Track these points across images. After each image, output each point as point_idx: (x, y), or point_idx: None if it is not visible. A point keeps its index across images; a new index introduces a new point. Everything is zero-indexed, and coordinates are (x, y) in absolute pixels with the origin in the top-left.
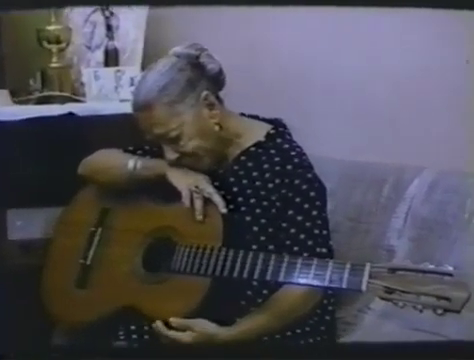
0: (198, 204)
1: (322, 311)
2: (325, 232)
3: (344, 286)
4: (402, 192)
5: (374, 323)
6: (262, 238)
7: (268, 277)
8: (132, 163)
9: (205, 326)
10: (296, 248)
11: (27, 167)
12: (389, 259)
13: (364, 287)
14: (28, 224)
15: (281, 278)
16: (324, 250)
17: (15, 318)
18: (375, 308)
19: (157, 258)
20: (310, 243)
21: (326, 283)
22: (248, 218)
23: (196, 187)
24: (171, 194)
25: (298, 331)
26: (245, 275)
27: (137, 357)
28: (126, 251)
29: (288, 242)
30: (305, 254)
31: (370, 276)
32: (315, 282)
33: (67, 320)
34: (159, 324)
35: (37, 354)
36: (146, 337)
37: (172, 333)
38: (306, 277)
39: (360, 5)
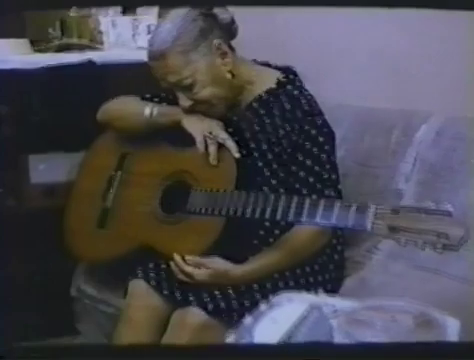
0: (212, 149)
1: (331, 250)
2: (334, 176)
3: (350, 225)
4: (411, 137)
5: (381, 262)
6: (273, 182)
7: (278, 217)
8: (148, 110)
9: (218, 263)
10: (305, 191)
11: (48, 114)
12: (397, 203)
13: (369, 226)
14: (50, 168)
15: (291, 218)
16: (333, 193)
17: (38, 259)
18: (383, 248)
19: (174, 200)
20: (319, 186)
21: (333, 222)
22: (260, 163)
23: (210, 133)
24: (187, 140)
25: (307, 269)
26: (257, 215)
27: (139, 357)
28: (144, 193)
29: (298, 185)
30: (314, 196)
31: (374, 216)
32: (323, 221)
33: (88, 258)
34: (178, 259)
35: (37, 354)
36: (163, 275)
37: (189, 269)
38: (314, 217)
39: (360, 5)
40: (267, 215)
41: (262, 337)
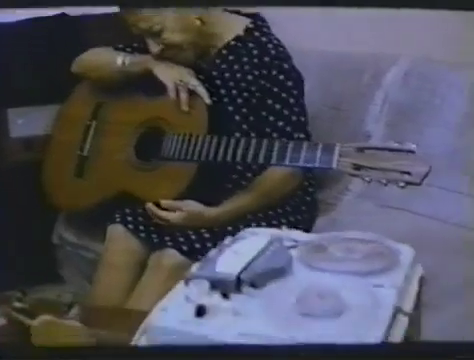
0: (183, 96)
1: (303, 192)
2: (303, 119)
3: (317, 165)
4: (380, 80)
5: (351, 203)
6: (244, 127)
7: (249, 160)
8: (121, 59)
9: (193, 206)
10: (275, 134)
11: (25, 67)
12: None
13: (334, 164)
14: (28, 122)
15: (261, 160)
16: (302, 135)
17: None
18: (353, 189)
19: (148, 147)
20: (288, 129)
21: (301, 163)
22: (230, 108)
23: (181, 80)
24: (160, 88)
25: (280, 211)
26: (228, 159)
27: (139, 357)
28: (119, 141)
29: (268, 129)
30: (284, 139)
31: (340, 155)
32: (291, 163)
33: (67, 206)
34: (151, 205)
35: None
36: (140, 219)
37: (163, 213)
38: (283, 159)
39: (361, 5)
40: (238, 158)
41: (224, 267)
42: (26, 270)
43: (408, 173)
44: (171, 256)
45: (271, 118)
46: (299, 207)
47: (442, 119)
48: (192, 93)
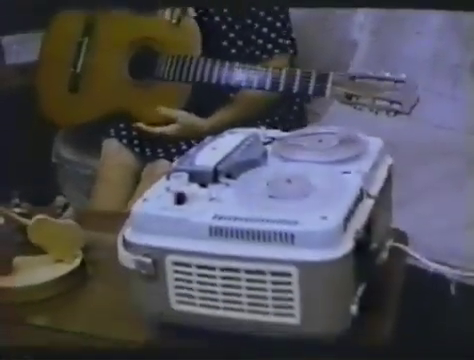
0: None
1: (290, 102)
2: (288, 25)
3: (310, 93)
4: None
5: (338, 111)
6: (231, 35)
7: (243, 84)
8: None
9: (187, 117)
10: (260, 41)
11: None
12: (352, 53)
13: (328, 93)
14: (23, 48)
15: (255, 85)
16: (287, 41)
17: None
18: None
19: (142, 66)
20: (273, 35)
21: (295, 90)
22: (217, 18)
23: None
24: (150, 6)
25: (268, 120)
26: (222, 82)
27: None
28: (113, 59)
29: (253, 36)
30: (269, 45)
31: (333, 83)
32: (285, 90)
33: (64, 123)
34: (143, 126)
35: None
36: (134, 133)
37: (158, 129)
38: (277, 86)
39: (361, 5)
40: (232, 83)
41: (202, 161)
42: (27, 191)
43: (398, 103)
44: (163, 166)
45: (256, 25)
46: (287, 117)
47: (425, 25)
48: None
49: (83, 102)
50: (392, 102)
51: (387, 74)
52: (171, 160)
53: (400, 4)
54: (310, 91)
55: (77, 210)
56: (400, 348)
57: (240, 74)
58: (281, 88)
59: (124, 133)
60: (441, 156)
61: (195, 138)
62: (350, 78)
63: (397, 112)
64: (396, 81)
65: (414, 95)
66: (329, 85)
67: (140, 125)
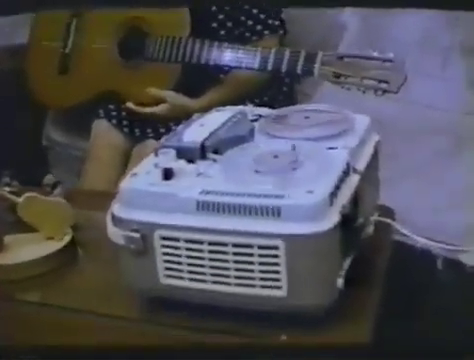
0: None
1: (279, 83)
2: (277, 7)
3: (299, 72)
4: None
5: (328, 92)
6: (220, 17)
7: (233, 64)
8: None
9: (177, 97)
10: (250, 22)
11: None
12: (342, 35)
13: (316, 73)
14: (15, 30)
15: (244, 65)
16: (277, 22)
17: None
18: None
19: (131, 47)
20: (262, 16)
21: (283, 69)
22: None
23: None
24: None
25: (257, 101)
26: (211, 62)
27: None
28: (101, 40)
29: (243, 18)
30: (259, 27)
31: (321, 63)
32: (274, 69)
33: (54, 105)
34: (131, 105)
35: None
36: (123, 114)
37: (148, 109)
38: (265, 65)
39: (361, 5)
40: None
41: (190, 137)
42: (17, 173)
43: (386, 82)
44: (153, 146)
45: (246, 6)
46: (277, 97)
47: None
48: None
49: (72, 83)
50: (380, 81)
51: (375, 53)
52: (160, 139)
53: (400, 4)
54: (298, 70)
55: (66, 189)
56: (386, 325)
57: (229, 54)
58: (270, 67)
59: (114, 114)
60: (430, 135)
61: (185, 118)
62: (338, 58)
63: (385, 91)
64: (384, 60)
65: (402, 74)
66: (317, 65)
67: (130, 105)
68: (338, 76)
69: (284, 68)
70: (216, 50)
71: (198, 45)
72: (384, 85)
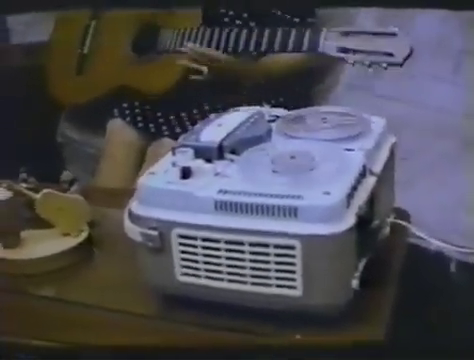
0: None
1: (295, 85)
2: None
3: (305, 48)
4: None
5: (343, 94)
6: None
7: (240, 49)
8: None
9: (216, 52)
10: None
11: None
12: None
13: (321, 47)
14: (29, 29)
15: (251, 48)
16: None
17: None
18: (343, 80)
19: (145, 42)
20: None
21: (290, 47)
22: None
23: None
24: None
25: (273, 102)
26: (229, 49)
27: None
28: (117, 37)
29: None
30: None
31: (325, 38)
32: (281, 48)
33: (70, 102)
34: (192, 46)
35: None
36: (137, 111)
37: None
38: (272, 45)
39: (361, 5)
40: (240, 48)
41: (208, 137)
42: (34, 169)
43: (390, 54)
44: (168, 145)
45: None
46: (292, 99)
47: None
48: None
49: (87, 81)
50: (385, 54)
51: (379, 28)
52: (175, 138)
53: (404, 3)
54: (305, 46)
55: (83, 186)
56: (400, 326)
57: (235, 39)
58: (276, 47)
59: (128, 112)
60: (440, 138)
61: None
62: (342, 33)
63: (390, 64)
64: (388, 34)
65: (406, 46)
66: (322, 40)
67: (192, 46)
68: (343, 51)
69: (290, 47)
70: (234, 36)
71: (208, 33)
72: (389, 58)
